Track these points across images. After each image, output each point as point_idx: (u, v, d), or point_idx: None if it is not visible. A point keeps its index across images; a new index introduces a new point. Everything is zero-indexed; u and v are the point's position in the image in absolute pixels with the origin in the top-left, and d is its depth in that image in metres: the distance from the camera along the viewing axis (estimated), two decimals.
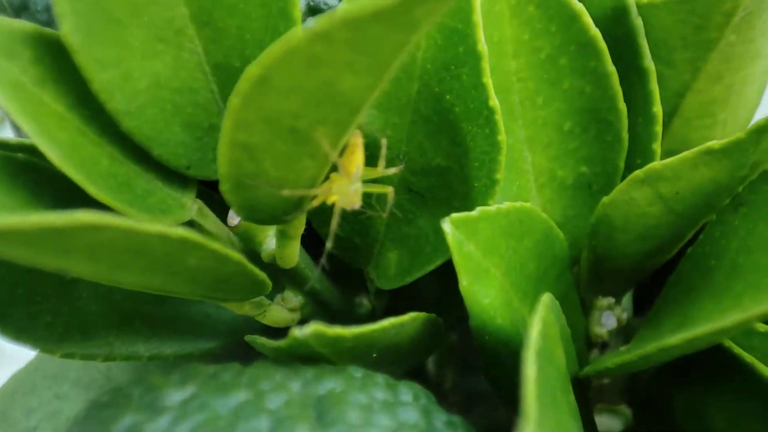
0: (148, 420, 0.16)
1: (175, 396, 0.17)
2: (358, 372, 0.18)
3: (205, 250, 0.17)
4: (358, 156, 0.20)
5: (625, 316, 0.28)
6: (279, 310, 0.24)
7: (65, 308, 0.23)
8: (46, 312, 0.22)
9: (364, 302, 0.27)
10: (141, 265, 0.17)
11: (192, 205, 0.22)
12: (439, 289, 0.28)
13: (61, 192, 0.20)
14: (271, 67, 0.15)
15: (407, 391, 0.19)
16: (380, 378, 0.19)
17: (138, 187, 0.20)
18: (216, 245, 0.17)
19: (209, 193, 0.24)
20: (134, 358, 0.24)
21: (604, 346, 0.30)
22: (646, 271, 0.28)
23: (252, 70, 0.15)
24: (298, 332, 0.17)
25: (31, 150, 0.21)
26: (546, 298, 0.19)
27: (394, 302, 0.28)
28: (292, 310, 0.25)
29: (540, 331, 0.17)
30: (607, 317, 0.28)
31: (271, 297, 0.24)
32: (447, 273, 0.24)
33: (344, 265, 0.26)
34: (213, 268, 0.18)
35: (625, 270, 0.27)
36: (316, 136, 0.17)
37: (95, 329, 0.24)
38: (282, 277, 0.24)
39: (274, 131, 0.16)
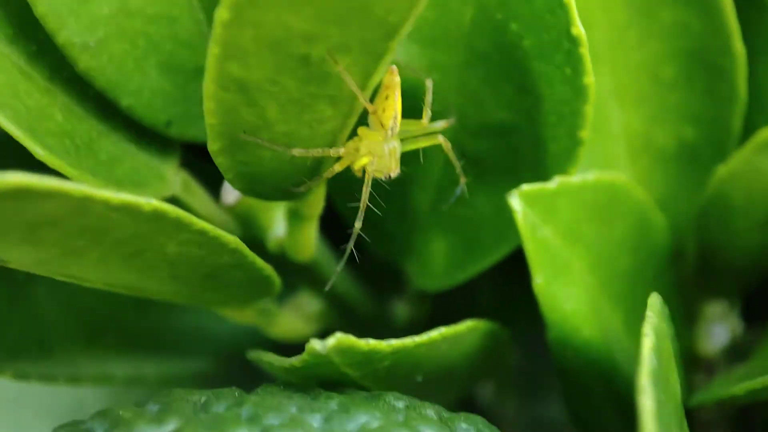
0: None
1: None
2: (399, 401, 0.17)
3: (189, 232, 0.16)
4: (393, 102, 0.17)
5: (740, 328, 0.25)
6: (291, 319, 0.22)
7: (17, 314, 0.22)
8: None
9: (399, 309, 0.25)
10: (101, 253, 0.15)
11: (174, 177, 0.20)
12: (497, 290, 0.26)
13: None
14: None
15: (468, 428, 0.17)
16: (430, 409, 0.17)
17: (102, 151, 0.19)
18: (204, 225, 0.16)
19: (197, 162, 0.22)
20: (105, 381, 0.23)
21: (708, 366, 0.27)
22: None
23: None
24: (319, 345, 0.16)
25: None
26: (655, 300, 0.17)
27: (439, 310, 0.26)
28: (308, 318, 0.23)
29: (654, 347, 0.14)
30: (719, 329, 0.25)
31: (280, 302, 0.23)
32: (507, 269, 0.22)
33: (374, 259, 0.24)
34: (201, 258, 0.17)
35: (743, 267, 0.24)
36: (338, 69, 0.15)
37: (56, 343, 0.22)
38: (294, 276, 0.22)
39: (279, 62, 0.15)
